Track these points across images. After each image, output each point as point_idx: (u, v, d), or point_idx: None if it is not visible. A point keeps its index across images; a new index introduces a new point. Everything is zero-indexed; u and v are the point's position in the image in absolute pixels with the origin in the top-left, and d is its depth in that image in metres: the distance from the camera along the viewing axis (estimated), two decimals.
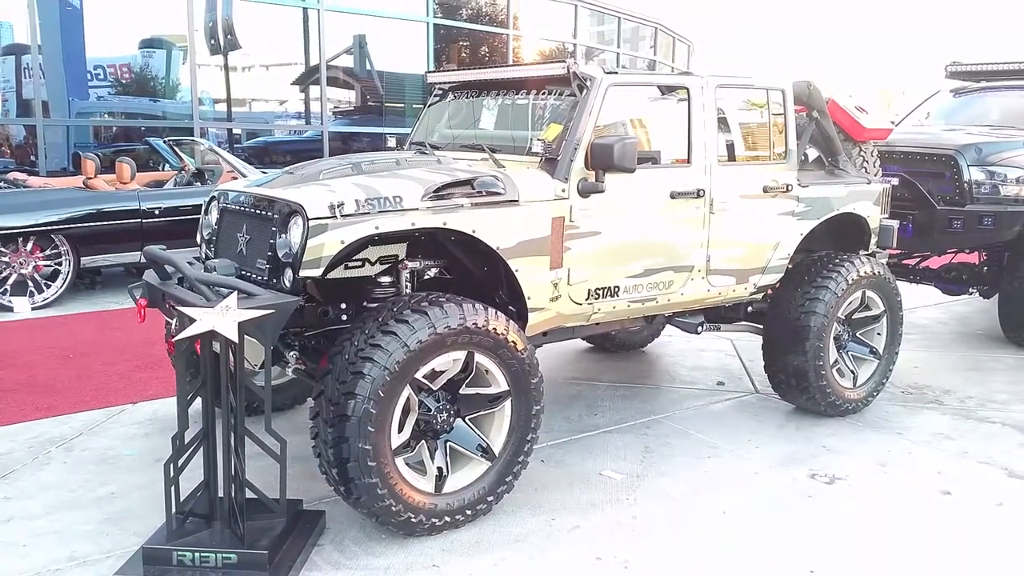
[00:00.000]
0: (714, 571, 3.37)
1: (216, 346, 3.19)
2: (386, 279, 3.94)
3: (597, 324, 4.51)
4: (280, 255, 3.47)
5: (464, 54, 16.61)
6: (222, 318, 3.06)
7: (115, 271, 8.93)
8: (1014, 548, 3.61)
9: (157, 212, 8.44)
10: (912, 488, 4.19)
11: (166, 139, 10.24)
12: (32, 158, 11.63)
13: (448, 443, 3.63)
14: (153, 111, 13.88)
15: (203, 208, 4.32)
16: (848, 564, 3.43)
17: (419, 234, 3.78)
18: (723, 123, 4.65)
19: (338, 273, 3.80)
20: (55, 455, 4.40)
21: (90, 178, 8.51)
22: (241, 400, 3.25)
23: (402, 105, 15.65)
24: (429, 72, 5.11)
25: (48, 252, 7.93)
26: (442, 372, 3.57)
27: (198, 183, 9.14)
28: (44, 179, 9.57)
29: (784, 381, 5.05)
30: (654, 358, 6.50)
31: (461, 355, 3.55)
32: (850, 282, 4.95)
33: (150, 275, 3.90)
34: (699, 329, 5.11)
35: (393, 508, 3.39)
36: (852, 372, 5.19)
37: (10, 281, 7.73)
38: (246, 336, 3.15)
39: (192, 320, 3.09)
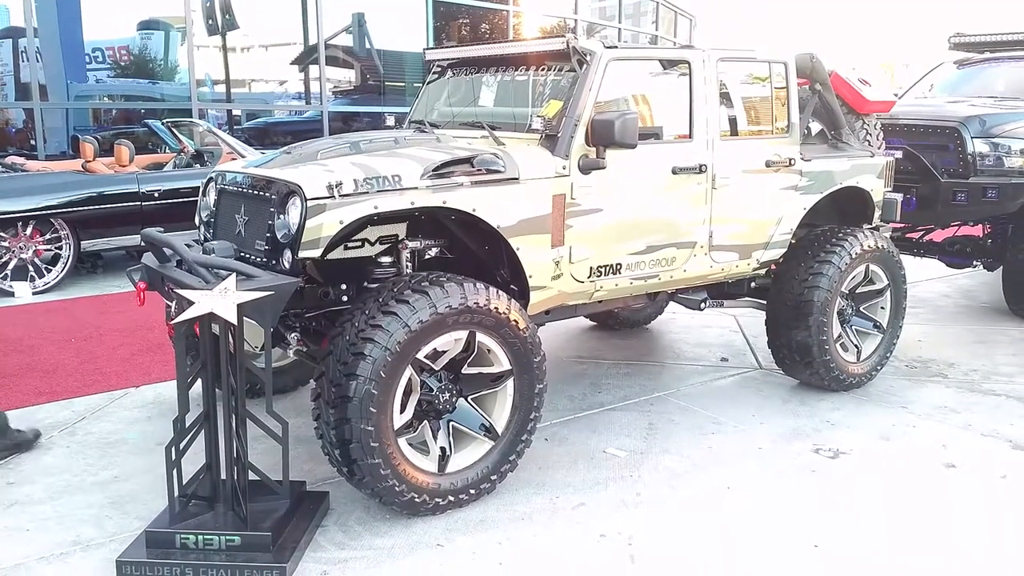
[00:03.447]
0: (718, 547, 3.37)
1: (215, 328, 3.18)
2: (386, 259, 3.91)
3: (600, 302, 4.48)
4: (279, 236, 3.44)
5: (464, 31, 16.48)
6: (221, 300, 3.04)
7: (116, 254, 8.92)
8: (1018, 520, 3.60)
9: (156, 195, 8.42)
10: (916, 461, 4.18)
11: (165, 121, 10.19)
12: (31, 142, 11.59)
13: (451, 423, 3.62)
14: (152, 93, 13.82)
15: (201, 190, 4.30)
16: (852, 538, 3.43)
17: (419, 213, 3.74)
18: (725, 97, 4.60)
19: (338, 254, 3.77)
20: (58, 440, 4.40)
21: (89, 161, 8.48)
22: (242, 382, 3.24)
23: (402, 84, 15.57)
24: (427, 49, 5.06)
25: (48, 236, 7.91)
26: (444, 352, 3.56)
27: (197, 165, 9.10)
28: (43, 163, 9.54)
29: (788, 356, 5.03)
30: (658, 335, 6.48)
31: (463, 335, 3.53)
32: (853, 256, 4.91)
33: (149, 258, 3.88)
34: (702, 306, 5.09)
35: (396, 488, 3.39)
36: (856, 346, 5.17)
37: (11, 266, 7.73)
38: (247, 318, 3.13)
39: (191, 302, 3.07)
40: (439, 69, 4.97)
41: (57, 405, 4.87)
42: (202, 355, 3.27)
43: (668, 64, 4.45)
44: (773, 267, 5.05)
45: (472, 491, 3.63)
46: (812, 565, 3.25)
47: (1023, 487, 3.91)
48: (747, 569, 3.23)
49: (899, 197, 5.52)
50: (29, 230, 7.79)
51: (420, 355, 3.42)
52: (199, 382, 3.33)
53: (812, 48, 5.22)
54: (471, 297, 3.47)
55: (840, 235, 4.97)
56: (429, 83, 5.01)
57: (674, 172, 4.31)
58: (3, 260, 7.70)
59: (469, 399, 3.67)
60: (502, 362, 3.68)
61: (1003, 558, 3.32)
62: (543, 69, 4.32)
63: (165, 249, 3.67)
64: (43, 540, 3.39)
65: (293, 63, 14.73)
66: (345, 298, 3.83)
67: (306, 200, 3.30)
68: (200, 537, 3.15)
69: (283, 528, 3.26)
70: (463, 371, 3.63)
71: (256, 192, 3.70)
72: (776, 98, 4.81)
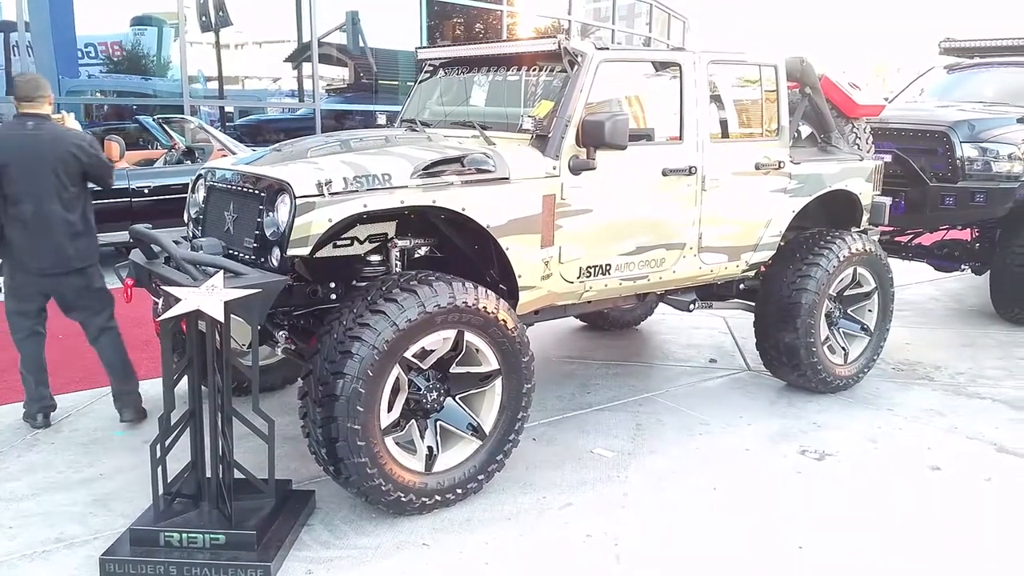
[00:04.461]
0: (704, 547, 3.38)
1: (202, 325, 3.17)
2: (375, 258, 3.92)
3: (589, 302, 4.49)
4: (267, 234, 3.43)
5: (458, 31, 16.46)
6: (208, 297, 3.03)
7: (105, 251, 8.83)
8: (1002, 523, 3.62)
9: (146, 191, 8.38)
10: (902, 464, 4.20)
11: (156, 117, 10.14)
12: None
13: (438, 422, 3.62)
14: (144, 89, 13.75)
15: (190, 186, 4.29)
16: (837, 540, 3.44)
17: (409, 212, 3.74)
18: (716, 100, 4.61)
19: (327, 252, 3.77)
20: (42, 436, 4.38)
21: None
22: (228, 380, 3.23)
23: (395, 82, 15.54)
24: (419, 48, 5.05)
25: None
26: (432, 351, 3.55)
27: (188, 161, 9.06)
28: None
29: (776, 358, 5.04)
30: (647, 336, 6.49)
31: (451, 334, 3.53)
32: (841, 259, 4.93)
33: (137, 254, 3.87)
34: (691, 307, 5.11)
35: (383, 487, 3.38)
36: (843, 349, 5.19)
37: None
38: (234, 316, 3.12)
39: (178, 299, 3.06)
40: (431, 68, 4.97)
41: None
42: (188, 352, 3.26)
43: (659, 66, 4.46)
44: (762, 269, 5.07)
45: (459, 490, 3.63)
46: (797, 566, 3.26)
47: (1007, 490, 3.94)
48: (732, 570, 3.23)
49: (888, 200, 5.55)
50: None
51: (408, 354, 3.42)
52: (185, 379, 3.33)
53: (805, 51, 5.24)
54: (459, 296, 3.47)
55: (828, 238, 4.99)
56: (421, 82, 5.01)
57: (664, 174, 4.32)
58: None
59: (457, 398, 3.67)
60: (490, 361, 3.68)
61: (987, 560, 3.33)
62: (535, 69, 4.32)
63: (153, 245, 3.67)
64: (27, 537, 3.37)
65: (286, 60, 14.70)
66: (334, 296, 3.82)
67: (295, 198, 3.29)
68: (184, 535, 3.14)
69: (268, 527, 3.26)
70: (451, 370, 3.62)
71: (245, 189, 3.69)
72: (766, 101, 4.83)
